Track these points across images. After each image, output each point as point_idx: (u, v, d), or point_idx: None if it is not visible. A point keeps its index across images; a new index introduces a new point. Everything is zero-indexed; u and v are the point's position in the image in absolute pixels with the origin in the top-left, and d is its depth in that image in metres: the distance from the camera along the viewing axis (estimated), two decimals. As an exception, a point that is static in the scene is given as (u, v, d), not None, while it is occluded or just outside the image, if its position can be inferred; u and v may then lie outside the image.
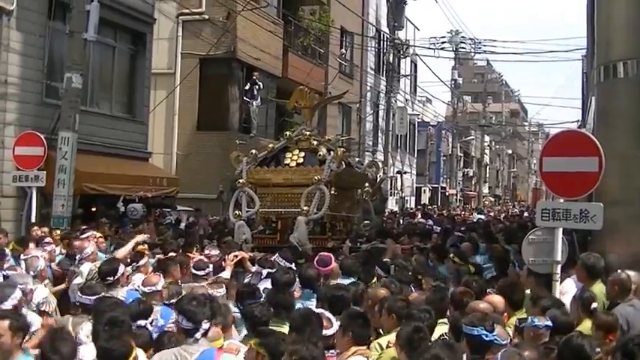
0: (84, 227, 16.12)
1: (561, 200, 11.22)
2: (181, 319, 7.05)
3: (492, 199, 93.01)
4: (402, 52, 52.46)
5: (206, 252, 13.62)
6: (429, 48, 55.88)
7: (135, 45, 25.45)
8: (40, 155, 18.81)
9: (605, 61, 12.94)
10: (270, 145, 18.87)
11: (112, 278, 9.93)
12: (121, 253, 12.24)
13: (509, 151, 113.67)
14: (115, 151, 23.36)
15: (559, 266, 10.96)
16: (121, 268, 10.24)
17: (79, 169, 19.17)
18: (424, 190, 64.00)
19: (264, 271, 11.44)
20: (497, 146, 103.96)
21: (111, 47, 24.31)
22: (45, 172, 18.73)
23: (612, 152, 11.02)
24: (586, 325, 8.63)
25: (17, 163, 19.10)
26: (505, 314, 9.03)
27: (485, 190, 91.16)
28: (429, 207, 53.28)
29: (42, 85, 20.79)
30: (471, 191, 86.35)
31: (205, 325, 7.05)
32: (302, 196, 16.65)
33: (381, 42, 50.58)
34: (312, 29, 37.80)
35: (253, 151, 18.25)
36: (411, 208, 49.92)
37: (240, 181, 17.38)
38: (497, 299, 9.07)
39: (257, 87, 30.96)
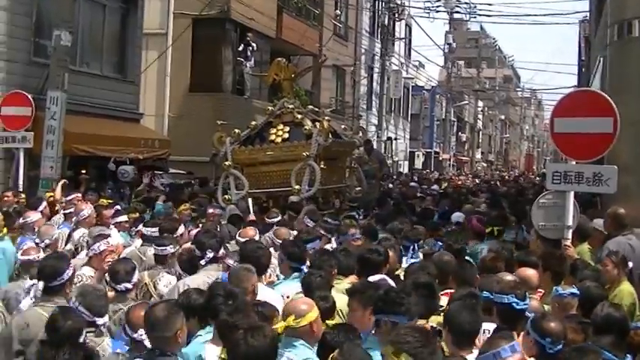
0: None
1: (573, 162, 10.79)
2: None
3: (485, 165, 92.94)
4: (397, 15, 51.93)
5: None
6: (425, 9, 55.35)
7: (126, 3, 24.89)
8: (27, 116, 18.26)
9: (619, 18, 12.46)
10: (254, 123, 18.31)
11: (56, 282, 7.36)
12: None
13: (502, 117, 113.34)
14: (106, 111, 22.89)
15: (570, 231, 10.58)
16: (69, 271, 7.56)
17: (68, 130, 18.61)
18: (417, 155, 63.68)
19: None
20: (490, 112, 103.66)
21: (101, 5, 23.75)
22: (33, 133, 18.19)
23: (625, 116, 10.55)
24: (625, 287, 8.36)
25: (4, 124, 18.55)
26: (539, 290, 8.44)
27: (478, 156, 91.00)
28: (425, 172, 53.02)
29: (30, 43, 20.23)
30: (464, 156, 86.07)
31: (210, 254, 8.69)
32: (292, 175, 16.24)
33: (376, 3, 50.04)
34: (307, -11, 37.20)
35: (236, 130, 17.70)
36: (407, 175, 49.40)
37: (226, 163, 16.90)
38: (531, 272, 8.45)
39: (251, 48, 30.50)
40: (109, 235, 9.40)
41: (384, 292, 6.45)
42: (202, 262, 8.72)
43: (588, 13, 37.61)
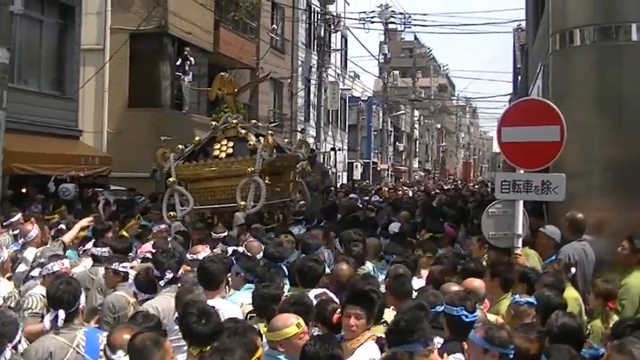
0: (12, 210, 15.44)
1: (521, 172, 10.88)
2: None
3: (422, 174, 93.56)
4: (333, 27, 52.14)
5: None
6: (360, 20, 55.59)
7: (63, 19, 24.64)
8: (-34, 135, 17.89)
9: (560, 28, 12.63)
10: (197, 138, 18.24)
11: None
12: (67, 237, 11.50)
13: (438, 126, 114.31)
14: (45, 129, 22.64)
15: (520, 240, 10.68)
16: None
17: (7, 148, 18.24)
18: (356, 166, 63.78)
19: (230, 249, 11.36)
20: (427, 121, 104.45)
21: (38, 21, 23.46)
22: (-28, 153, 17.80)
23: (570, 122, 10.65)
24: (569, 294, 8.44)
25: (-58, 144, 18.10)
26: (485, 300, 8.59)
27: (416, 165, 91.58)
28: (363, 182, 53.15)
29: (-35, 61, 19.78)
30: (401, 166, 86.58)
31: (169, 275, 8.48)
32: (237, 191, 16.17)
33: (312, 15, 50.15)
34: (243, 2, 37.08)
35: (180, 146, 17.59)
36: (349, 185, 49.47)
37: (170, 179, 16.78)
38: (478, 283, 8.55)
39: (189, 62, 30.34)
40: (64, 256, 9.27)
41: (392, 323, 6.40)
42: (161, 282, 8.54)
43: (523, 22, 38.18)
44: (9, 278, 9.96)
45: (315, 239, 11.61)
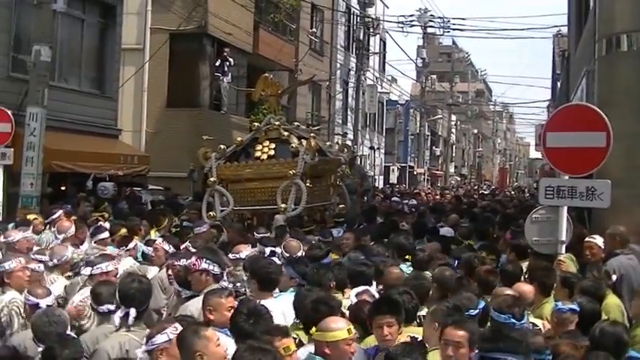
0: (53, 207, 15.49)
1: (566, 177, 10.74)
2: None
3: (458, 179, 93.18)
4: (371, 30, 52.02)
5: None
6: (398, 24, 55.41)
7: (104, 18, 24.72)
8: (7, 132, 17.85)
9: (607, 33, 12.47)
10: (239, 139, 18.22)
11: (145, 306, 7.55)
12: None
13: (475, 131, 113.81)
14: (85, 127, 22.69)
15: (564, 246, 10.56)
16: None
17: (47, 146, 18.34)
18: (392, 170, 63.71)
19: (267, 250, 11.17)
20: (464, 126, 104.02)
21: (79, 20, 23.53)
22: (12, 150, 17.80)
23: (615, 129, 10.51)
24: (612, 301, 8.33)
25: (-17, 141, 18.22)
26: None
27: (452, 170, 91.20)
28: (399, 186, 53.04)
29: (8, 58, 20.06)
30: (437, 170, 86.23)
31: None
32: (277, 193, 16.15)
33: (351, 18, 50.09)
34: (283, 4, 37.07)
35: (222, 146, 17.59)
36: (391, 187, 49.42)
37: (211, 179, 16.76)
38: (527, 288, 8.50)
39: (228, 63, 30.39)
40: (114, 257, 9.27)
41: (490, 329, 6.44)
42: None
43: (563, 28, 37.87)
44: (68, 277, 10.02)
45: (321, 250, 11.30)
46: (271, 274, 8.30)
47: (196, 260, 8.26)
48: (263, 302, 7.32)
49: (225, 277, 8.54)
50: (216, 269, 8.22)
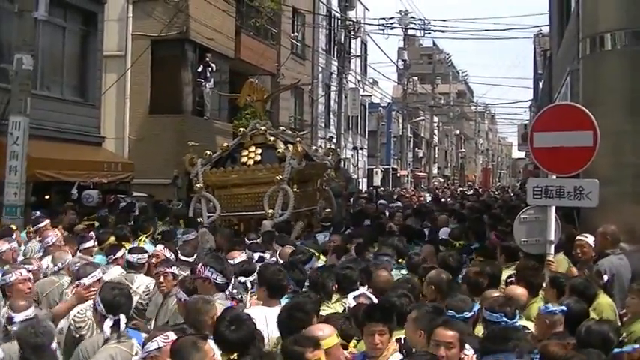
0: (38, 215, 15.43)
1: (553, 177, 10.74)
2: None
3: (441, 180, 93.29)
4: (353, 33, 52.08)
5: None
6: (379, 26, 55.42)
7: (86, 25, 24.65)
8: (-11, 142, 17.88)
9: (591, 32, 12.50)
10: (225, 145, 18.19)
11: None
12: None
13: (457, 132, 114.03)
14: (68, 135, 22.65)
15: (552, 246, 10.54)
16: None
17: (31, 155, 18.22)
18: (376, 172, 63.66)
19: (256, 255, 11.22)
20: (446, 127, 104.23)
21: (61, 27, 23.46)
22: (-5, 160, 17.77)
23: (601, 128, 10.51)
24: (603, 300, 8.51)
25: (-35, 151, 18.10)
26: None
27: (435, 171, 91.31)
28: (382, 189, 53.03)
29: (-11, 67, 19.82)
30: (421, 172, 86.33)
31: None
32: (265, 199, 16.14)
33: (332, 22, 50.09)
34: (264, 9, 37.02)
35: (208, 152, 17.56)
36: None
37: (197, 185, 16.72)
38: (520, 291, 8.48)
39: (210, 69, 30.34)
40: (98, 265, 9.19)
41: (489, 330, 6.39)
42: None
43: (544, 28, 37.97)
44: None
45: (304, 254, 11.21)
46: (281, 281, 8.26)
47: (201, 267, 8.26)
48: (270, 310, 7.42)
49: (229, 287, 8.51)
50: (220, 278, 8.17)
